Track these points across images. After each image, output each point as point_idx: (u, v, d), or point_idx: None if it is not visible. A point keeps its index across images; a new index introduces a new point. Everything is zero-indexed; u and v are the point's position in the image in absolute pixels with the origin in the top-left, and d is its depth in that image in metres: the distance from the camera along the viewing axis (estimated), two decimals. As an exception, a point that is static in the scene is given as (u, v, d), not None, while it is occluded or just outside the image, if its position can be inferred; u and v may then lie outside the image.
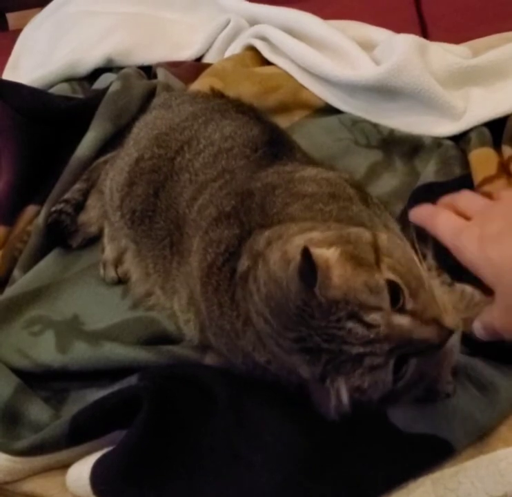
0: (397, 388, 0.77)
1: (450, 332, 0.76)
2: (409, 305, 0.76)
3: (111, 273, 1.20)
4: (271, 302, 0.80)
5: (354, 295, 0.75)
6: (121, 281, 1.20)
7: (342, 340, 0.74)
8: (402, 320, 0.75)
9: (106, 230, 1.26)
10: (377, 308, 0.74)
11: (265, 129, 1.19)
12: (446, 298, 0.80)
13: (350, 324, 0.74)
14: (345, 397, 0.75)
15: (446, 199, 0.88)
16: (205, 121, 1.17)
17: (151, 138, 1.17)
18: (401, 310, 0.75)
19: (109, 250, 1.23)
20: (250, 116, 1.22)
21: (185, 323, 1.06)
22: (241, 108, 1.25)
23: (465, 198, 0.86)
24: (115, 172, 1.20)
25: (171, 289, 1.09)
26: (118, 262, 1.21)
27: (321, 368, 0.76)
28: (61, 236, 1.27)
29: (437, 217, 0.83)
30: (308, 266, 0.74)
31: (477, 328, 0.80)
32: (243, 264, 0.89)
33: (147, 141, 1.17)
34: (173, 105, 1.26)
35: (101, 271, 1.21)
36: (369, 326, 0.74)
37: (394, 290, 0.76)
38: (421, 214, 0.85)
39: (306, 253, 0.75)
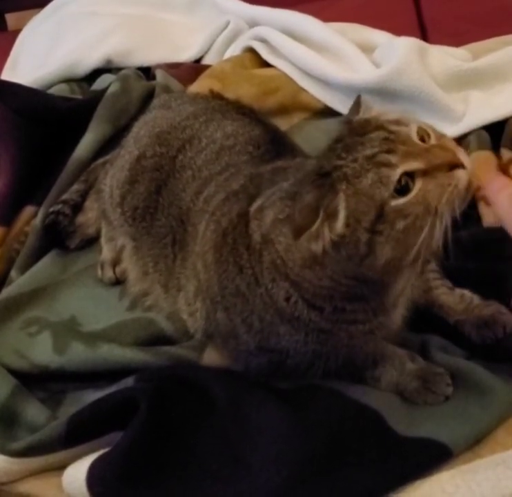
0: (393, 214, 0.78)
1: (461, 163, 0.79)
2: (433, 141, 0.81)
3: (109, 273, 1.20)
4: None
5: (385, 118, 0.82)
6: (119, 281, 1.20)
7: (362, 147, 0.79)
8: (422, 144, 0.80)
9: (103, 231, 1.26)
10: (404, 125, 0.81)
11: (266, 129, 1.20)
12: None
13: (374, 134, 0.79)
14: (342, 207, 0.79)
15: None
16: (206, 121, 1.18)
17: (152, 136, 1.18)
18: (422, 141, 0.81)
19: (106, 251, 1.23)
20: (251, 117, 1.23)
21: (191, 315, 1.06)
22: (242, 110, 1.25)
23: None
24: (115, 170, 1.20)
25: (175, 287, 1.09)
26: (116, 262, 1.20)
27: (329, 182, 0.79)
28: (59, 237, 1.27)
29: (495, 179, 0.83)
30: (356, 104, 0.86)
31: None
32: (257, 202, 0.93)
33: (148, 139, 1.18)
34: (173, 106, 1.27)
35: (99, 272, 1.21)
36: (391, 132, 0.79)
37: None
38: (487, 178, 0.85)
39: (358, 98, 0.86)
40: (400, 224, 0.78)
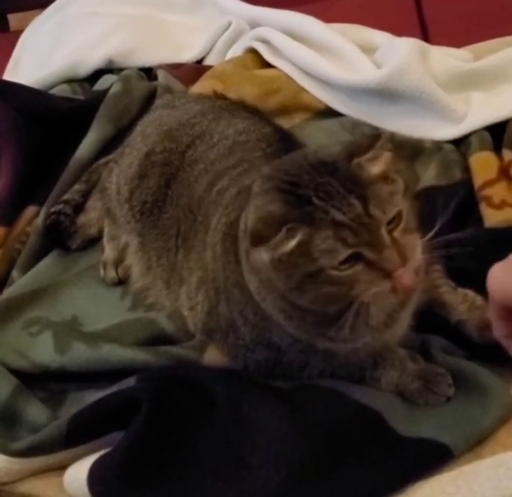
0: (327, 277, 0.79)
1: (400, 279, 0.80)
2: (397, 234, 0.80)
3: (111, 274, 1.20)
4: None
5: (379, 187, 0.80)
6: (121, 281, 1.20)
7: (337, 207, 0.78)
8: (386, 236, 0.79)
9: (106, 230, 1.26)
10: (383, 211, 0.79)
11: (275, 128, 1.21)
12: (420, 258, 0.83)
13: (355, 202, 0.78)
14: (293, 243, 0.78)
15: None
16: (215, 118, 1.19)
17: (161, 133, 1.18)
18: (390, 232, 0.80)
19: (109, 250, 1.23)
20: (259, 116, 1.24)
21: (192, 308, 1.06)
22: (249, 109, 1.27)
23: None
24: (122, 168, 1.20)
25: (177, 283, 1.09)
26: (118, 262, 1.21)
27: (296, 214, 0.79)
28: (60, 237, 1.27)
29: None
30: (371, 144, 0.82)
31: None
32: None
33: (157, 136, 1.18)
34: (177, 105, 1.28)
35: (101, 272, 1.21)
36: (369, 215, 0.78)
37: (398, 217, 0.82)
38: None
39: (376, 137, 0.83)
40: (325, 288, 0.80)
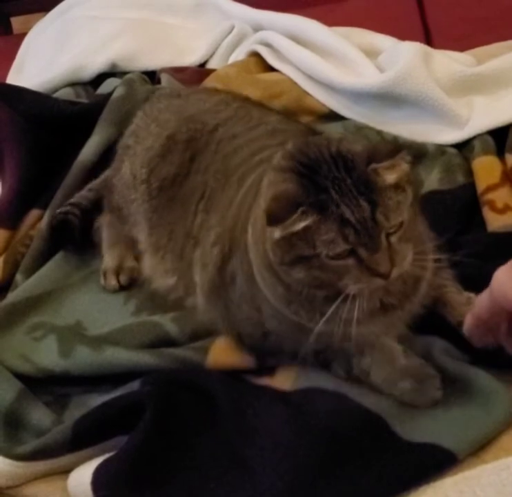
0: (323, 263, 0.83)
1: (386, 278, 0.84)
2: (394, 240, 0.84)
3: (112, 282, 1.20)
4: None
5: (389, 195, 0.83)
6: (123, 288, 1.20)
7: (347, 203, 0.81)
8: (384, 241, 0.83)
9: (105, 235, 1.26)
10: (387, 219, 0.82)
11: (307, 126, 1.25)
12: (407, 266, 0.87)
13: (364, 204, 0.81)
14: (301, 225, 0.82)
15: None
16: (242, 106, 1.21)
17: (181, 119, 1.20)
18: (388, 236, 0.84)
19: (108, 258, 1.23)
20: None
21: (204, 266, 1.06)
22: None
23: None
24: (137, 154, 1.21)
25: (191, 247, 1.10)
26: (119, 269, 1.21)
27: (311, 198, 0.82)
28: (69, 235, 1.27)
29: None
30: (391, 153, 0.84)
31: (467, 321, 0.85)
32: None
33: (176, 121, 1.20)
34: (183, 95, 1.29)
35: (102, 280, 1.21)
36: (374, 219, 0.82)
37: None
38: None
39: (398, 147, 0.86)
40: (315, 272, 0.85)
